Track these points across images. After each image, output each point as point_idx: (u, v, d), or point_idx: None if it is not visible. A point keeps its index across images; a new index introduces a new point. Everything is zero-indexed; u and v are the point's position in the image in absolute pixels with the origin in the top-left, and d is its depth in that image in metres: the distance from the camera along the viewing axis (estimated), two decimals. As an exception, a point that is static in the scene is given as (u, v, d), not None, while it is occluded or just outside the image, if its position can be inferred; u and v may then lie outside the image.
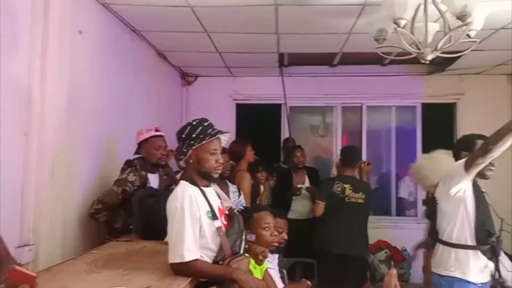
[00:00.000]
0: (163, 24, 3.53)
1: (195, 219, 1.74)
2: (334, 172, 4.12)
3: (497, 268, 2.27)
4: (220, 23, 3.46)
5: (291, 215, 4.32)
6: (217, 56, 4.48)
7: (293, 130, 5.46)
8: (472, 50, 4.03)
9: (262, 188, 4.13)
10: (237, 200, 3.28)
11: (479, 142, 2.46)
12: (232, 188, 3.34)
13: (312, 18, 3.27)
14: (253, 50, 4.26)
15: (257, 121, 5.41)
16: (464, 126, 5.04)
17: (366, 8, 3.00)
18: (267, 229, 2.27)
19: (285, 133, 5.39)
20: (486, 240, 2.26)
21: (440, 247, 2.38)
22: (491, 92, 5.02)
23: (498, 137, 2.00)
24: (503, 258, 3.00)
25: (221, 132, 1.86)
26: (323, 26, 3.46)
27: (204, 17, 3.33)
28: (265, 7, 3.07)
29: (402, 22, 2.18)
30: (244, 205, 3.30)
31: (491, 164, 2.40)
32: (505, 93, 5.01)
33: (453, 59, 4.38)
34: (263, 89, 5.34)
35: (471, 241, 2.28)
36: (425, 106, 5.20)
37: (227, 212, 1.97)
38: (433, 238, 2.49)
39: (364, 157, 4.77)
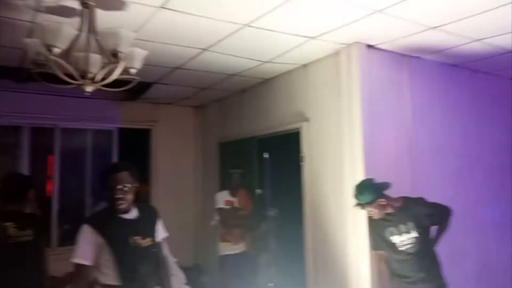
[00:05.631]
0: None
1: None
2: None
3: None
4: None
5: None
6: None
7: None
8: (158, 83, 4.55)
9: None
10: None
11: None
12: None
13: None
14: None
15: None
16: (158, 151, 5.54)
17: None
18: None
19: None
20: (133, 278, 2.31)
21: None
22: (180, 121, 5.74)
23: None
24: (176, 272, 3.34)
25: None
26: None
27: None
28: None
29: (56, 50, 2.10)
30: None
31: (118, 198, 2.34)
32: (191, 123, 5.84)
33: (145, 88, 4.76)
34: None
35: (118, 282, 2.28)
36: (123, 130, 5.35)
37: None
38: None
39: (57, 181, 4.38)
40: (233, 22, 2.87)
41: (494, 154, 4.26)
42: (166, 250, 3.29)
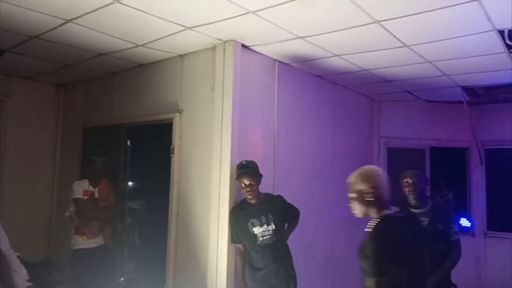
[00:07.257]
0: None
1: None
2: None
3: None
4: None
5: None
6: None
7: None
8: (11, 52, 3.94)
9: None
10: None
11: None
12: None
13: None
14: None
15: None
16: (8, 129, 4.83)
17: None
18: None
19: None
20: None
21: None
22: (39, 98, 5.08)
23: None
24: (18, 268, 2.93)
25: None
26: None
27: None
28: None
29: None
30: None
31: None
32: (52, 102, 5.21)
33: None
34: None
35: None
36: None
37: None
38: None
39: None
40: (101, -4, 2.63)
41: (346, 159, 4.79)
42: (6, 243, 2.87)
